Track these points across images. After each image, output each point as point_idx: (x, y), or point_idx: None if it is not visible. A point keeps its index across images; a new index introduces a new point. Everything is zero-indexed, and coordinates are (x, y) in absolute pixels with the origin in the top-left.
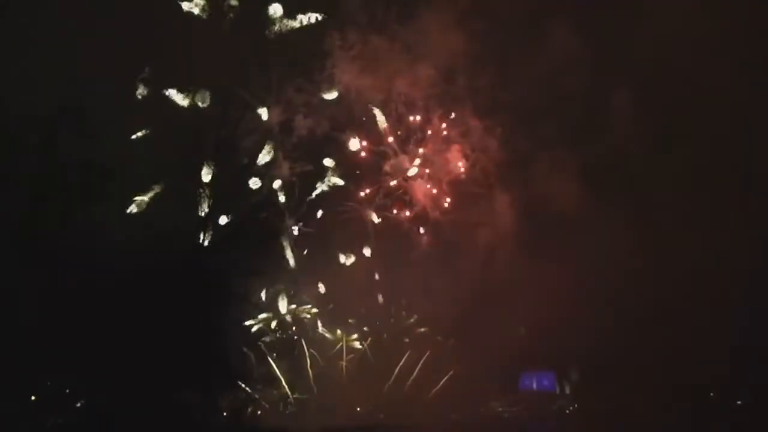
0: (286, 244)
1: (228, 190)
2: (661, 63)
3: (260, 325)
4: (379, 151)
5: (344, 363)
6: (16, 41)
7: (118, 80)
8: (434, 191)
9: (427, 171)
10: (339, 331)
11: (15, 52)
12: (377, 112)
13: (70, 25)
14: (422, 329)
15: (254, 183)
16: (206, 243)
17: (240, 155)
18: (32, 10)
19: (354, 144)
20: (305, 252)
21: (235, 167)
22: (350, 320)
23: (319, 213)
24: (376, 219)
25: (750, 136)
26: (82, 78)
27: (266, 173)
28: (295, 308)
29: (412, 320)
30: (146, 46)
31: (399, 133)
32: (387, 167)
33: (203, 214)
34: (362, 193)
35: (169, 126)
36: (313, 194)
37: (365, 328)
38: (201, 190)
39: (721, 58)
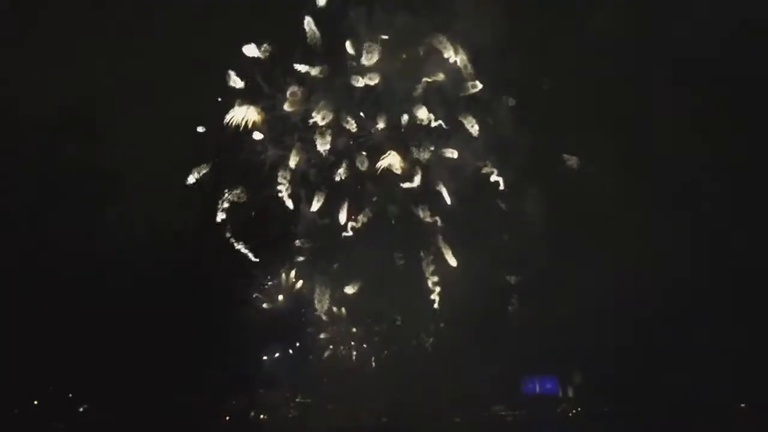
0: (297, 242)
1: (236, 185)
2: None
3: (265, 326)
4: (401, 141)
5: (349, 366)
6: (21, 45)
7: (122, 83)
8: (457, 184)
9: (451, 162)
10: (345, 333)
11: (20, 56)
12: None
13: (73, 29)
14: (429, 332)
15: (267, 175)
16: (211, 243)
17: (251, 146)
18: (36, 14)
19: (376, 133)
20: (318, 248)
21: (245, 159)
22: (355, 326)
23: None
24: (395, 211)
25: None
26: (86, 82)
27: (281, 164)
28: (302, 309)
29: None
30: (149, 44)
31: (422, 122)
32: (409, 158)
33: (208, 213)
34: (382, 185)
35: (173, 124)
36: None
37: (370, 328)
38: (205, 188)
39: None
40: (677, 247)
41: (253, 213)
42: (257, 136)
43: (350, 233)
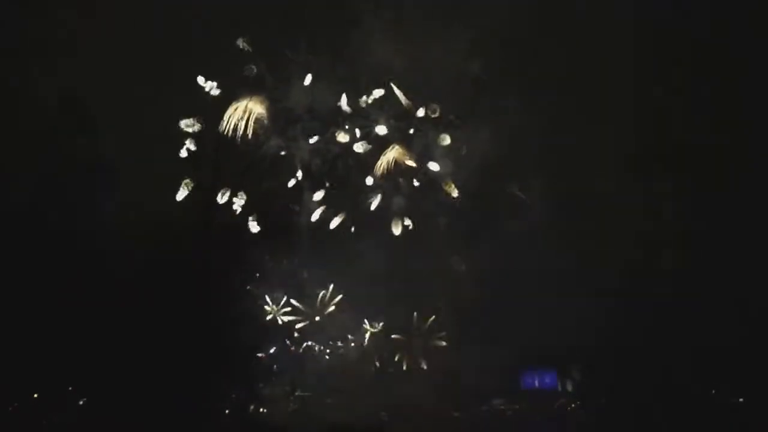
0: (300, 235)
1: (237, 178)
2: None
3: (265, 320)
4: (404, 131)
5: (348, 361)
6: (19, 38)
7: (121, 73)
8: (461, 175)
9: (455, 153)
10: (345, 326)
11: (17, 47)
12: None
13: (71, 19)
14: (429, 326)
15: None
16: (211, 237)
17: (254, 138)
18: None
19: (381, 128)
20: (321, 242)
21: (247, 151)
22: (358, 316)
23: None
24: (400, 203)
25: None
26: (84, 73)
27: (283, 155)
28: (302, 304)
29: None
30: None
31: (428, 110)
32: (413, 149)
33: (208, 207)
34: (385, 175)
35: (172, 117)
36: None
37: (371, 325)
38: (205, 182)
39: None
40: (678, 241)
41: (254, 206)
42: (260, 127)
43: (352, 227)
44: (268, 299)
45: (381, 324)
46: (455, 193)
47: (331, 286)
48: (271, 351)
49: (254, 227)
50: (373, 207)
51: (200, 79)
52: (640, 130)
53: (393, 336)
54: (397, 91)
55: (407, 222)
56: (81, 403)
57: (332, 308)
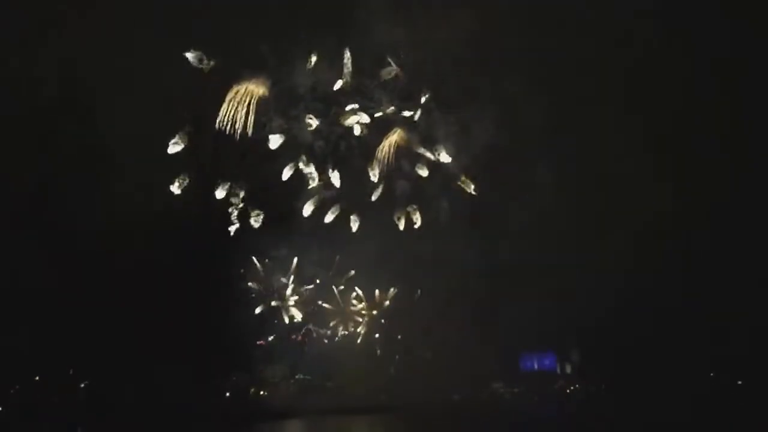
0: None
1: (238, 164)
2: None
3: (264, 306)
4: (407, 116)
5: (348, 344)
6: (17, 30)
7: (120, 60)
8: (465, 161)
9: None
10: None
11: (16, 39)
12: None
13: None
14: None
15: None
16: (211, 224)
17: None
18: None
19: (385, 107)
20: (322, 224)
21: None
22: (358, 294)
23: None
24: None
25: None
26: (83, 64)
27: (285, 137)
28: (303, 288)
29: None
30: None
31: (431, 94)
32: (417, 133)
33: (208, 193)
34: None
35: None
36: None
37: (371, 309)
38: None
39: None
40: (677, 228)
41: (255, 191)
42: (261, 110)
43: (354, 214)
44: (268, 285)
45: (383, 307)
46: (469, 188)
47: (331, 272)
48: (271, 337)
49: (255, 213)
50: (374, 197)
51: (201, 59)
52: (639, 130)
53: (392, 320)
54: (395, 68)
55: (410, 208)
56: (82, 386)
57: (334, 293)
